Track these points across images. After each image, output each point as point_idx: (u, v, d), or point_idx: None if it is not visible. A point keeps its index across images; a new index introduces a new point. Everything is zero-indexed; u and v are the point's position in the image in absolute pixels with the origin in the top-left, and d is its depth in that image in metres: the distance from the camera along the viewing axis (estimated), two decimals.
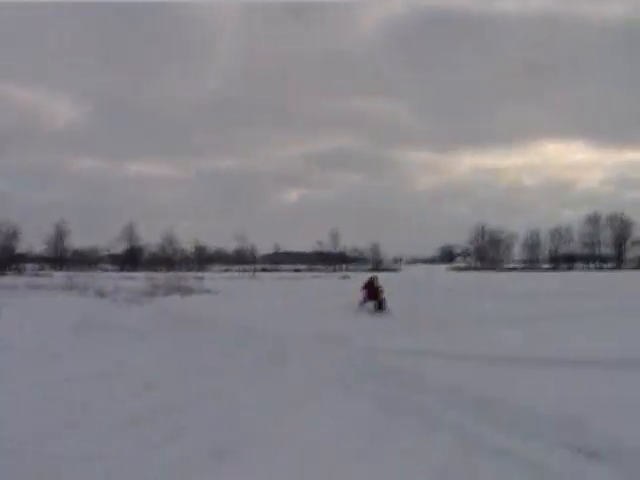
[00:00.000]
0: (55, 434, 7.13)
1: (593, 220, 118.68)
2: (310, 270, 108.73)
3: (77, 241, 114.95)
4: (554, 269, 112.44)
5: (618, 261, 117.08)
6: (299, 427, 7.56)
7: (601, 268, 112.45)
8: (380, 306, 23.43)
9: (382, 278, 26.61)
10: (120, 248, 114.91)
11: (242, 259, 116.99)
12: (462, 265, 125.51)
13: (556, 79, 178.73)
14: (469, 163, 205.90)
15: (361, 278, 31.56)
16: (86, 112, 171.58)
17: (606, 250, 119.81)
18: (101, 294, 32.25)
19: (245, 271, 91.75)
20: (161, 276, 42.42)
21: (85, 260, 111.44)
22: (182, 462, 6.26)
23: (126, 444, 6.78)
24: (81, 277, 43.20)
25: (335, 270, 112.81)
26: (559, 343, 13.94)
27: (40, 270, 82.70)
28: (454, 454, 6.42)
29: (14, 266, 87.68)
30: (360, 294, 24.57)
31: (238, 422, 7.80)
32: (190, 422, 7.75)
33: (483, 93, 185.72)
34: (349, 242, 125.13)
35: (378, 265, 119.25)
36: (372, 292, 24.22)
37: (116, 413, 8.13)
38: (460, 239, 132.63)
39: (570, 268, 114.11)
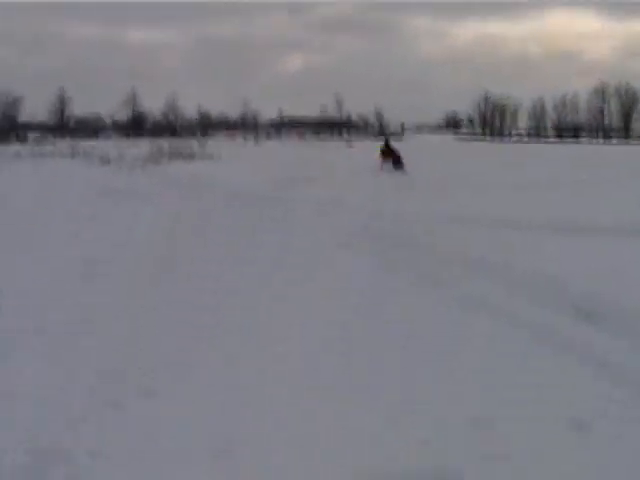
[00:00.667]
0: None
1: (600, 90, 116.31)
2: (315, 136, 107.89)
3: (80, 109, 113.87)
4: (559, 139, 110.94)
5: (625, 132, 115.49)
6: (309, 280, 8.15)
7: (609, 137, 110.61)
8: (398, 165, 24.51)
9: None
10: (123, 116, 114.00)
11: (246, 125, 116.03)
12: (468, 136, 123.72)
13: None
14: (474, 30, 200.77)
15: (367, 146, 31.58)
16: None
17: (613, 121, 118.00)
18: (105, 161, 32.46)
19: (248, 137, 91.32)
20: (165, 143, 42.39)
21: (88, 128, 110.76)
22: None
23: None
24: (85, 145, 43.26)
25: (340, 135, 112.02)
26: (562, 210, 14.01)
27: (43, 138, 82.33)
28: (452, 311, 6.70)
29: (17, 134, 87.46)
30: (378, 160, 25.56)
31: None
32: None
33: None
34: (354, 108, 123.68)
35: (382, 131, 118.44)
36: (388, 153, 25.37)
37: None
38: (465, 106, 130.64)
39: (576, 138, 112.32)
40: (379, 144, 27.56)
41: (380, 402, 4.42)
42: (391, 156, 25.32)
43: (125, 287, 7.66)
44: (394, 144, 26.59)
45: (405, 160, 25.41)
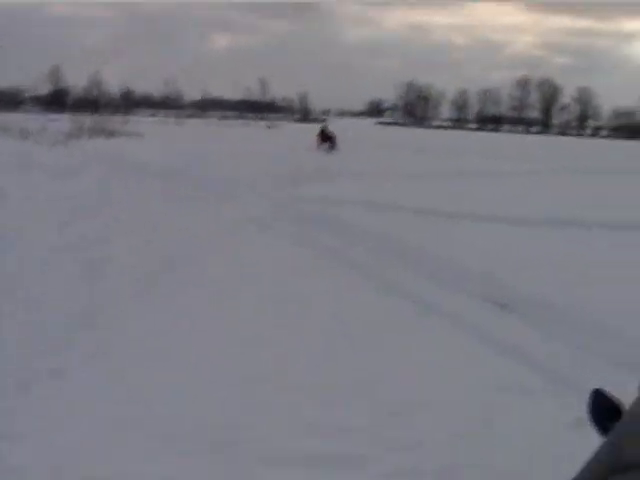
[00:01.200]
0: None
1: (522, 83, 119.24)
2: (239, 118, 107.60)
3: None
4: (480, 129, 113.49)
5: (545, 125, 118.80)
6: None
7: (528, 131, 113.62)
8: (332, 146, 29.86)
9: (310, 129, 28.12)
10: (45, 90, 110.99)
11: (169, 105, 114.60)
12: (389, 120, 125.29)
13: None
14: (400, 18, 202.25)
15: (289, 128, 33.08)
16: None
17: (533, 114, 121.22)
18: (25, 135, 31.94)
19: (171, 116, 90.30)
20: (87, 119, 41.94)
21: (8, 101, 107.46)
22: None
23: None
24: (4, 118, 42.32)
25: (264, 119, 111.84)
26: (479, 199, 14.70)
27: None
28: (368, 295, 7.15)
29: None
30: (316, 140, 30.79)
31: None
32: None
33: None
34: (278, 91, 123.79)
35: (306, 116, 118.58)
36: (325, 137, 30.66)
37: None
38: (389, 95, 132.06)
39: (497, 129, 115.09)
40: (320, 126, 33.14)
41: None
42: (328, 139, 30.47)
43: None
44: (330, 128, 31.87)
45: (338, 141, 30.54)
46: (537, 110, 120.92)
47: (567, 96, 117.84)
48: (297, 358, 5.12)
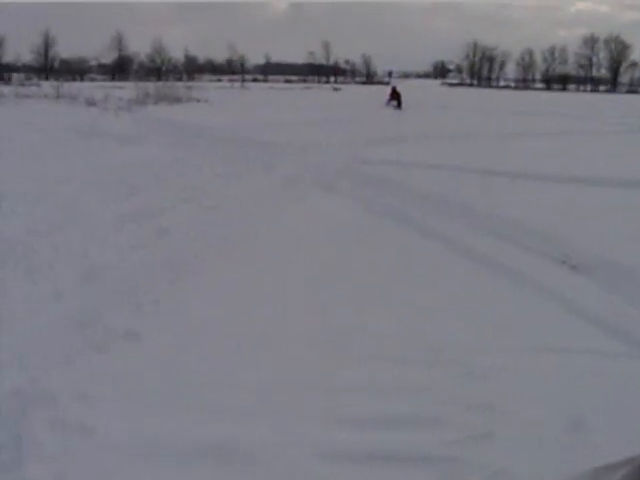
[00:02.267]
0: None
1: (589, 42, 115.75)
2: (303, 81, 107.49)
3: (65, 51, 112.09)
4: (547, 89, 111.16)
5: (613, 84, 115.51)
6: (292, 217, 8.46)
7: (596, 90, 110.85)
8: (399, 105, 34.59)
9: (375, 90, 27.63)
10: (109, 58, 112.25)
11: (233, 69, 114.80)
12: (455, 81, 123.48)
13: None
14: None
15: (352, 89, 32.74)
16: None
17: (601, 72, 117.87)
18: (91, 103, 32.24)
19: (235, 81, 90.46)
20: (151, 85, 42.06)
21: (73, 70, 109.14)
22: None
23: None
24: (70, 87, 42.79)
25: (328, 82, 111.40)
26: (548, 160, 14.16)
27: (28, 80, 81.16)
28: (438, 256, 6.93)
29: (0, 75, 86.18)
30: (387, 97, 36.32)
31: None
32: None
33: None
34: (341, 54, 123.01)
35: (370, 78, 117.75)
36: (394, 95, 35.43)
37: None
38: (453, 55, 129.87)
39: (564, 89, 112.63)
40: (389, 87, 39.47)
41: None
42: (396, 97, 35.09)
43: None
44: (399, 89, 36.55)
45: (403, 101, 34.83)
46: (605, 68, 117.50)
47: (636, 53, 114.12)
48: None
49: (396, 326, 4.86)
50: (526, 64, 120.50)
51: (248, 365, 4.20)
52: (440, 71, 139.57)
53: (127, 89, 42.26)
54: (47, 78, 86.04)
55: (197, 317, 5.02)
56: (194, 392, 3.86)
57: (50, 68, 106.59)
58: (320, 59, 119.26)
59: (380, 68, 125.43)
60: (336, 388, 3.94)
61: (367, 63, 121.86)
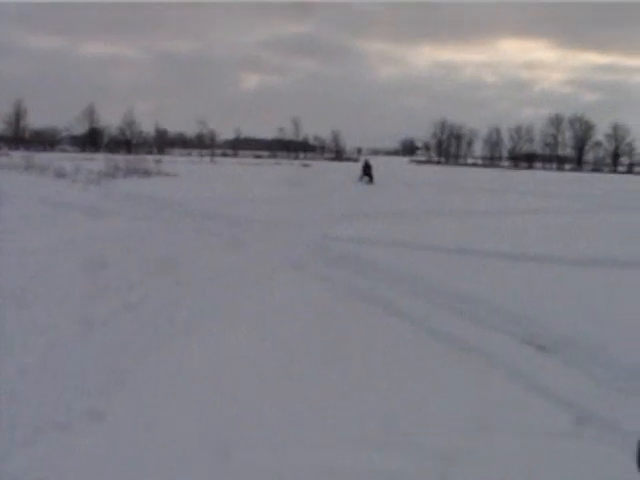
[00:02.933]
0: None
1: (555, 121, 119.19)
2: (272, 157, 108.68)
3: (36, 121, 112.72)
4: (514, 167, 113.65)
5: (578, 162, 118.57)
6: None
7: (561, 169, 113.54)
8: (370, 180, 36.03)
9: (344, 167, 28.30)
10: (80, 130, 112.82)
11: (203, 144, 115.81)
12: (423, 158, 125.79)
13: None
14: (428, 57, 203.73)
15: (321, 166, 33.37)
16: None
17: (566, 151, 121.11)
18: (61, 175, 32.26)
19: (205, 155, 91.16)
20: (121, 158, 42.29)
21: (45, 140, 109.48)
22: None
23: None
24: (41, 158, 42.83)
25: (297, 158, 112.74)
26: (516, 238, 14.49)
27: None
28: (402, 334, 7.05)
29: None
30: (359, 172, 37.97)
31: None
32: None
33: None
34: (311, 130, 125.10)
35: (339, 155, 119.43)
36: (366, 170, 36.81)
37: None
38: (421, 133, 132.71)
39: (530, 167, 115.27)
40: (362, 162, 41.12)
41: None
42: (368, 172, 36.54)
43: None
44: (370, 163, 38.30)
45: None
46: (569, 147, 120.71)
47: (600, 132, 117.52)
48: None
49: (360, 409, 4.86)
50: (493, 142, 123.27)
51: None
52: (409, 148, 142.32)
53: (97, 161, 42.50)
54: (18, 148, 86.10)
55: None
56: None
57: (21, 138, 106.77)
58: (290, 135, 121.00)
59: (349, 144, 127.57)
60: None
61: (336, 139, 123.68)
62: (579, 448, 4.32)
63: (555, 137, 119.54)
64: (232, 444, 4.20)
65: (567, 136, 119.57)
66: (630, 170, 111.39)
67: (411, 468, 4.00)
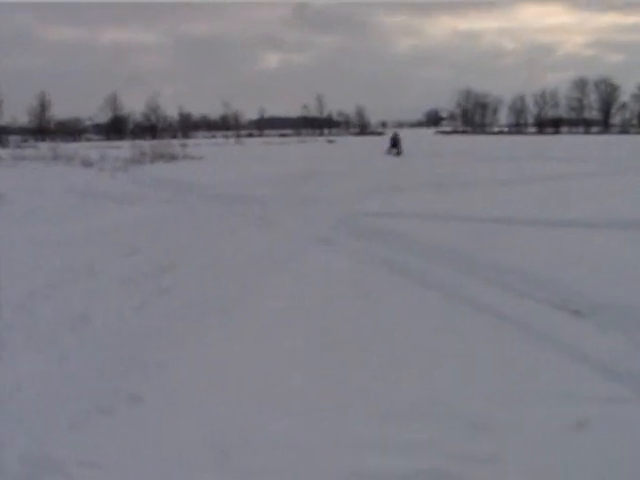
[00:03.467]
0: None
1: (580, 85, 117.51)
2: (297, 135, 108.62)
3: (60, 112, 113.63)
4: (541, 133, 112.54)
5: (605, 125, 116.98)
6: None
7: (588, 132, 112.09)
8: (398, 152, 37.61)
9: (369, 141, 28.14)
10: (104, 118, 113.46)
11: (227, 125, 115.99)
12: (448, 129, 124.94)
13: None
14: (446, 27, 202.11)
15: (347, 141, 33.33)
16: None
17: (592, 114, 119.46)
18: (87, 164, 32.54)
19: (230, 137, 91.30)
20: (146, 144, 42.51)
21: (69, 131, 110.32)
22: None
23: None
24: (67, 148, 43.18)
25: (322, 134, 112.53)
26: (546, 204, 14.45)
27: (24, 142, 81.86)
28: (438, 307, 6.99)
29: None
30: (387, 145, 39.40)
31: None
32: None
33: None
34: (334, 106, 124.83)
35: (364, 129, 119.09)
36: (395, 143, 38.45)
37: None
38: (445, 103, 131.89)
39: (557, 132, 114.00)
40: (390, 135, 42.17)
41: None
42: (396, 145, 38.16)
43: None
44: (399, 136, 39.86)
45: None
46: (596, 110, 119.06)
47: (626, 94, 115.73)
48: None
49: (401, 381, 4.88)
50: (518, 109, 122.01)
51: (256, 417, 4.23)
52: (433, 119, 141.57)
53: (123, 148, 42.73)
54: (44, 139, 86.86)
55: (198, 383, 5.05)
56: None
57: (46, 129, 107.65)
58: (314, 112, 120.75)
59: (373, 119, 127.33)
60: (345, 444, 3.96)
61: (360, 114, 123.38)
62: (620, 412, 4.29)
63: (580, 101, 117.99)
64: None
65: (592, 99, 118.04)
66: None
67: (441, 436, 4.02)
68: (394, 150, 37.93)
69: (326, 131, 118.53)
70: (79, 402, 4.60)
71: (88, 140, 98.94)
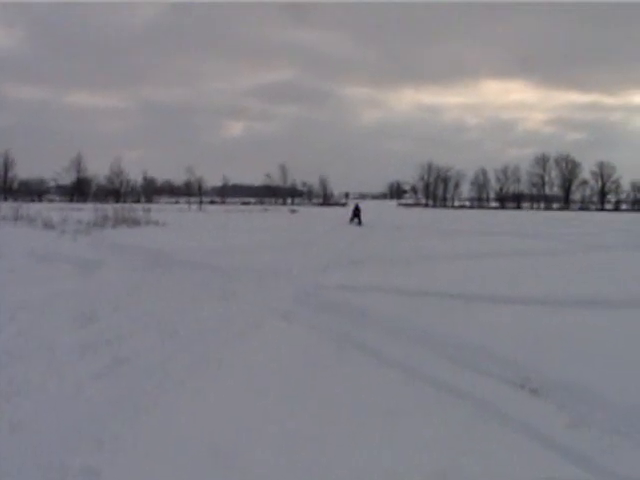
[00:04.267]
0: None
1: (541, 161, 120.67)
2: (260, 203, 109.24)
3: (23, 172, 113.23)
4: (502, 207, 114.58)
5: (566, 201, 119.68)
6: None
7: (549, 208, 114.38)
8: (359, 222, 40.54)
9: (332, 212, 28.44)
10: (68, 179, 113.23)
11: (191, 191, 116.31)
12: (411, 201, 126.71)
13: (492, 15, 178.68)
14: (410, 100, 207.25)
15: (310, 211, 33.46)
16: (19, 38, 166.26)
17: (553, 190, 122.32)
18: (49, 225, 32.32)
19: (193, 203, 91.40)
20: (109, 207, 42.41)
21: (32, 191, 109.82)
22: None
23: None
24: (29, 208, 42.81)
25: (285, 204, 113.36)
26: (507, 280, 14.53)
27: None
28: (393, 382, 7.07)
29: None
30: (349, 215, 42.89)
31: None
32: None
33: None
34: (298, 176, 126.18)
35: (327, 200, 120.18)
36: (357, 213, 41.45)
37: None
38: (407, 176, 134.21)
39: (518, 207, 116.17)
40: (352, 206, 47.12)
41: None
42: (357, 215, 41.16)
43: None
44: (360, 207, 42.99)
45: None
46: (557, 186, 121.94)
47: (586, 171, 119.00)
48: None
49: (356, 462, 4.91)
50: (480, 183, 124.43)
51: None
52: (396, 192, 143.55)
53: (86, 211, 42.59)
54: (6, 199, 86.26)
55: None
56: None
57: (9, 189, 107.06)
58: (277, 181, 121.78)
59: (337, 189, 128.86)
60: None
61: (324, 184, 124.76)
62: None
63: (542, 177, 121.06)
64: None
65: (553, 175, 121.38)
66: (617, 208, 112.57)
67: None
68: (356, 219, 41.36)
69: (289, 200, 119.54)
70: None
71: (51, 201, 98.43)
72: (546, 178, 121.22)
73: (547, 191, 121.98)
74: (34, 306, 11.00)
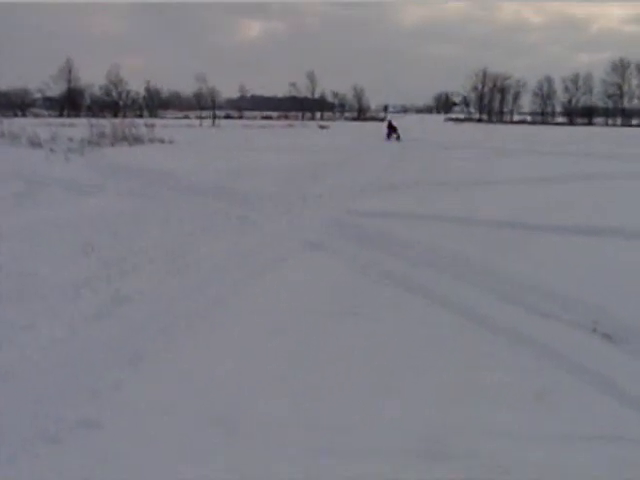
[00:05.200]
0: None
1: (619, 67, 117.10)
2: (284, 117, 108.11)
3: (2, 82, 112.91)
4: (570, 124, 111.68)
5: None
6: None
7: (628, 124, 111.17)
8: (397, 137, 43.57)
9: (367, 127, 28.36)
10: (56, 90, 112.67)
11: (202, 104, 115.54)
12: (461, 116, 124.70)
13: None
14: None
15: (343, 127, 33.47)
16: None
17: (633, 103, 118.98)
18: (36, 143, 32.35)
19: (205, 118, 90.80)
20: (107, 123, 42.32)
21: (14, 104, 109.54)
22: None
23: None
24: (11, 123, 42.86)
25: (313, 118, 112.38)
26: (568, 208, 14.45)
27: None
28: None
29: None
30: (384, 131, 45.83)
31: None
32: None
33: None
34: (329, 86, 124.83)
35: (362, 114, 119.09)
36: (392, 129, 44.44)
37: None
38: (457, 86, 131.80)
39: (590, 122, 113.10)
40: (386, 121, 51.85)
41: None
42: (395, 131, 44.10)
43: None
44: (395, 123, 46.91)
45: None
46: (637, 98, 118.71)
47: None
48: None
49: (406, 413, 4.95)
50: (544, 95, 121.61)
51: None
52: (444, 104, 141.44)
53: (79, 127, 42.49)
54: None
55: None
56: None
57: None
58: (304, 92, 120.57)
59: (374, 101, 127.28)
60: None
61: (359, 96, 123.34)
62: None
63: (620, 87, 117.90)
64: None
65: (634, 85, 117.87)
66: None
67: None
68: (394, 135, 44.01)
69: (318, 114, 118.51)
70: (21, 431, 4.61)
71: (37, 116, 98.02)
72: (625, 88, 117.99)
73: (625, 104, 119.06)
74: (21, 236, 11.10)
